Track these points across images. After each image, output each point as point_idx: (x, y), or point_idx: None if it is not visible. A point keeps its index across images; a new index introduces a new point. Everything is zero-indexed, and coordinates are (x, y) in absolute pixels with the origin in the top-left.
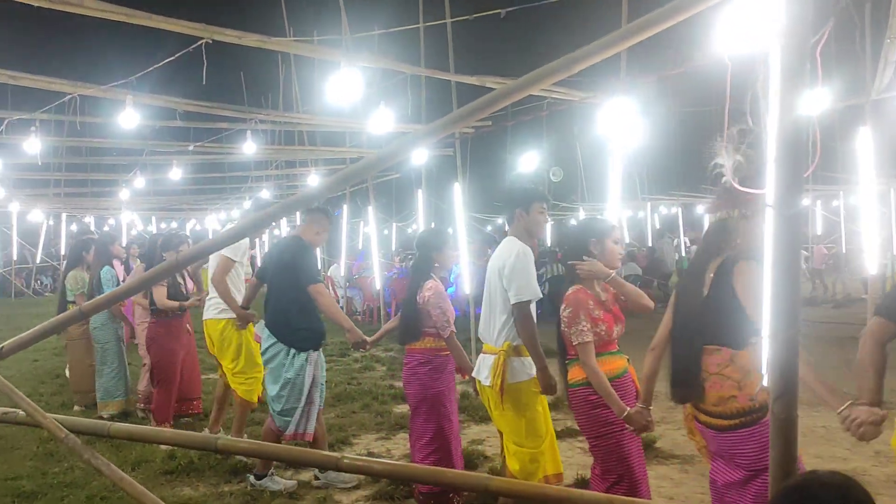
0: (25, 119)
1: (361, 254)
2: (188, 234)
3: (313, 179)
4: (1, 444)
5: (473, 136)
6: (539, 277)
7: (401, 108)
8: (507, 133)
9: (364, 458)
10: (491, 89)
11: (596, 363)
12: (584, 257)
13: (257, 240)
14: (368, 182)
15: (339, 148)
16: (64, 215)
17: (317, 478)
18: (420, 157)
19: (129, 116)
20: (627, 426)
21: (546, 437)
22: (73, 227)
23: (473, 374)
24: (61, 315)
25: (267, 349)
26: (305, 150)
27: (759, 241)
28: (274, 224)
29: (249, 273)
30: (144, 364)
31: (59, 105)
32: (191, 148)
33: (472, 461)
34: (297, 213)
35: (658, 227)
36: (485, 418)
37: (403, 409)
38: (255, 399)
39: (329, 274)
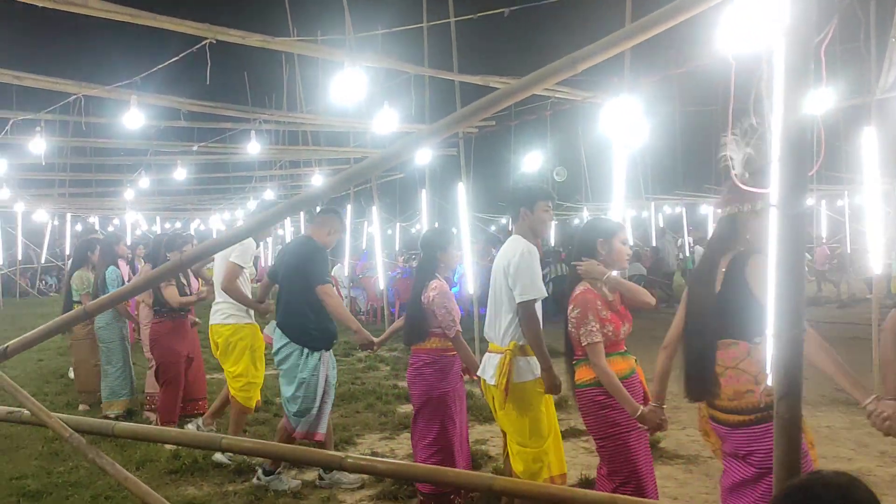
0: (30, 119)
1: (365, 254)
2: (193, 233)
3: (317, 179)
4: (6, 444)
5: (477, 136)
6: (543, 277)
7: (404, 108)
8: (510, 133)
9: (368, 457)
10: (495, 89)
11: (606, 364)
12: (583, 258)
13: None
14: (372, 182)
15: (343, 148)
16: (69, 215)
17: (321, 478)
18: (424, 156)
19: (133, 117)
20: (641, 425)
21: (549, 437)
22: (78, 228)
23: (479, 374)
24: (66, 315)
25: (279, 349)
26: (309, 150)
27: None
28: (279, 225)
29: (254, 273)
30: (151, 366)
31: (63, 105)
32: (195, 148)
33: (476, 461)
34: (301, 213)
35: (661, 226)
36: (489, 418)
37: (407, 408)
38: (253, 405)
39: (333, 274)
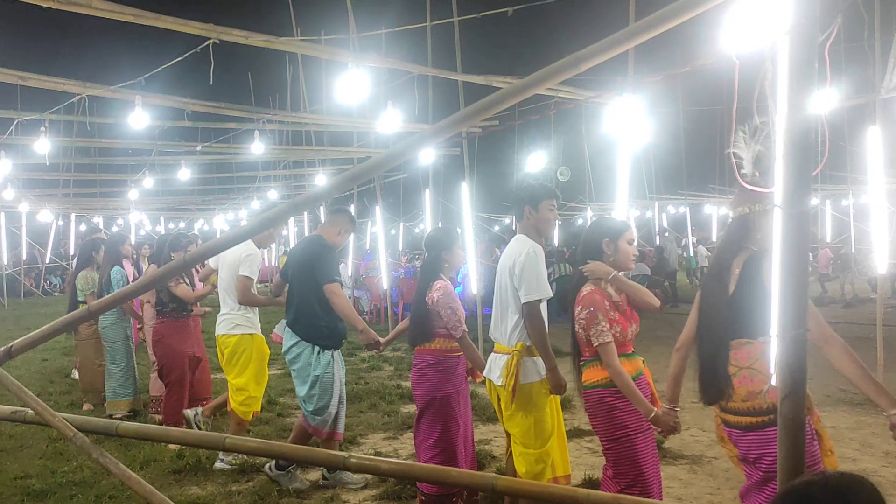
0: (35, 119)
1: (369, 254)
2: (197, 233)
3: (321, 179)
4: (10, 443)
5: (481, 136)
6: (547, 277)
7: (408, 108)
8: (514, 132)
9: (371, 457)
10: (498, 89)
11: (619, 364)
12: (589, 258)
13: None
14: (376, 182)
15: (347, 148)
16: (73, 215)
17: (325, 478)
18: (427, 156)
19: (139, 117)
20: (654, 427)
21: (552, 439)
22: (82, 228)
23: (484, 374)
24: (69, 314)
25: (290, 348)
26: (313, 150)
27: None
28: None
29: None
30: (154, 368)
31: (67, 105)
32: (199, 148)
33: (479, 461)
34: (305, 214)
35: (663, 225)
36: (492, 418)
37: (411, 408)
38: (250, 419)
39: None
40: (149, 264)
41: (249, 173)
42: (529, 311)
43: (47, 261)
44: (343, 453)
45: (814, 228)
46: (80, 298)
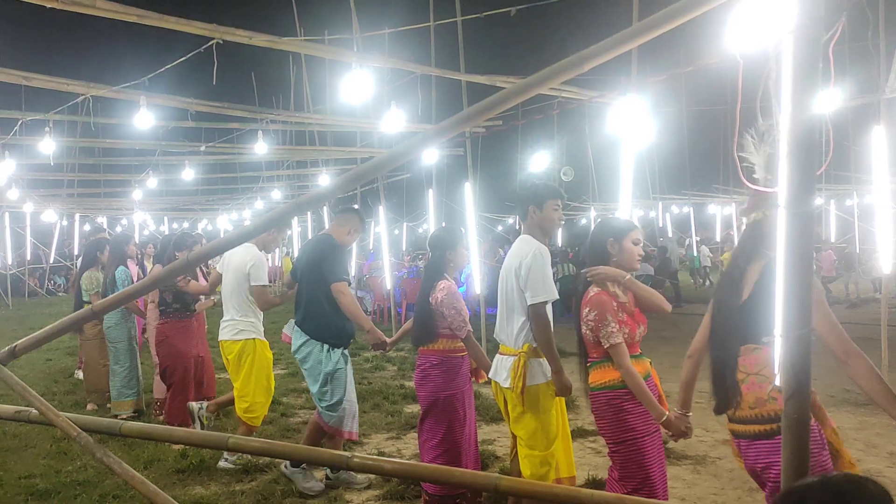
0: (39, 120)
1: (372, 254)
2: (201, 233)
3: (324, 179)
4: (15, 443)
5: (484, 136)
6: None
7: (411, 108)
8: (517, 132)
9: (374, 457)
10: (501, 88)
11: (631, 365)
12: (594, 259)
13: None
14: (379, 182)
15: (350, 148)
16: (77, 215)
17: (328, 477)
18: (431, 156)
19: (144, 117)
20: (666, 430)
21: (557, 440)
22: (86, 228)
23: (490, 376)
24: (73, 314)
25: (300, 348)
26: (316, 150)
27: None
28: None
29: None
30: (157, 370)
31: (72, 106)
32: (202, 148)
33: (482, 461)
34: (309, 214)
35: (661, 225)
36: (495, 418)
37: (414, 408)
38: (259, 423)
39: None
40: (153, 264)
41: (253, 173)
42: (535, 313)
43: (51, 261)
44: (346, 453)
45: (818, 228)
46: (85, 298)
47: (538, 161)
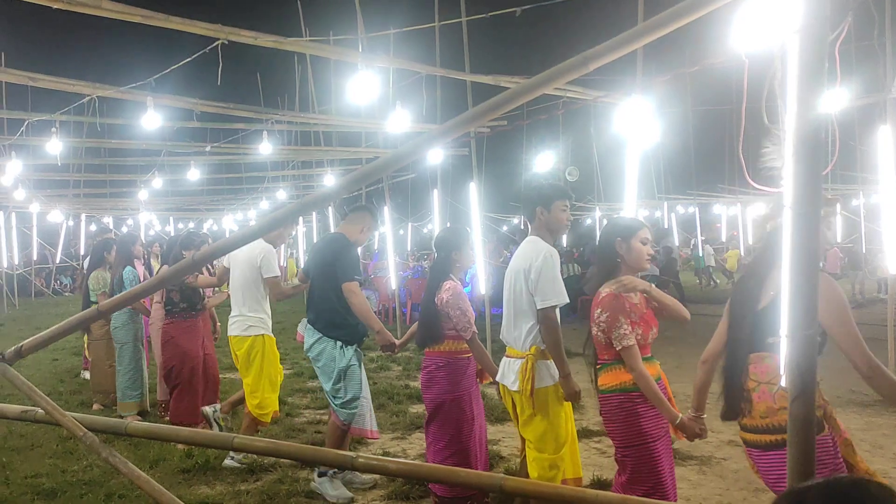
0: (45, 120)
1: (377, 254)
2: (207, 233)
3: (329, 179)
4: (21, 443)
5: (489, 136)
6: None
7: (416, 108)
8: (522, 132)
9: (379, 457)
10: (506, 89)
11: (644, 367)
12: (601, 261)
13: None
14: (384, 182)
15: (355, 148)
16: (83, 216)
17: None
18: (436, 156)
19: (151, 118)
20: (681, 432)
21: (566, 443)
22: (92, 228)
23: (498, 379)
24: (79, 314)
25: (312, 346)
26: (321, 151)
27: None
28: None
29: None
30: (162, 373)
31: (78, 106)
32: (208, 149)
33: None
34: (314, 214)
35: (666, 226)
36: (500, 419)
37: (419, 408)
38: (269, 420)
39: None
40: (160, 263)
41: (258, 173)
42: (545, 317)
43: (58, 261)
44: (351, 453)
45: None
46: (92, 299)
47: (543, 161)
